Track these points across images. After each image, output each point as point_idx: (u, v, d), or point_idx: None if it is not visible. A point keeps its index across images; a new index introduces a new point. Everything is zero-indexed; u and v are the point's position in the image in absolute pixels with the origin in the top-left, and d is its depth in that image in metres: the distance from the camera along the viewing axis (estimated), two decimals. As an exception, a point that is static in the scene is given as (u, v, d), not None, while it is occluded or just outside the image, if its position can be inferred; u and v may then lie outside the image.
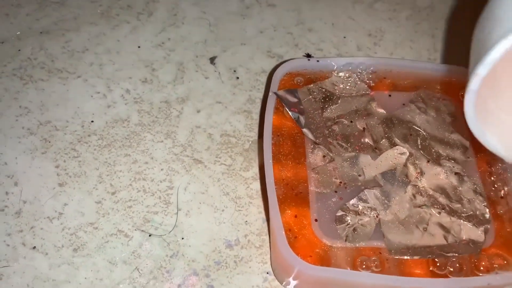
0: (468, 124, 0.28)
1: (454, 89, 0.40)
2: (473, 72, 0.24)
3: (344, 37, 0.50)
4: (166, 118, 0.43)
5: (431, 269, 0.33)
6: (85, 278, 0.36)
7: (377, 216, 0.34)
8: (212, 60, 0.47)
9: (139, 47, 0.47)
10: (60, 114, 0.43)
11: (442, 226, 0.34)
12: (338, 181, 0.36)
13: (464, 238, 0.34)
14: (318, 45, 0.49)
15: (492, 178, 0.37)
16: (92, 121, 0.43)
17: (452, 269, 0.33)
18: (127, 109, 0.43)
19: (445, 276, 0.32)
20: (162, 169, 0.41)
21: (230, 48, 0.48)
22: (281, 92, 0.39)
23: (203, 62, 0.47)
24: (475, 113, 0.27)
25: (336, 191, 0.35)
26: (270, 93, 0.38)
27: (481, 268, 0.33)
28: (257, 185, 0.41)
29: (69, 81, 0.45)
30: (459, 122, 0.39)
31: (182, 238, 0.38)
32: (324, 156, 0.37)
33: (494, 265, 0.33)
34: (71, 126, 0.42)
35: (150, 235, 0.38)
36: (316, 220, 0.34)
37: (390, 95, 0.40)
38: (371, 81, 0.40)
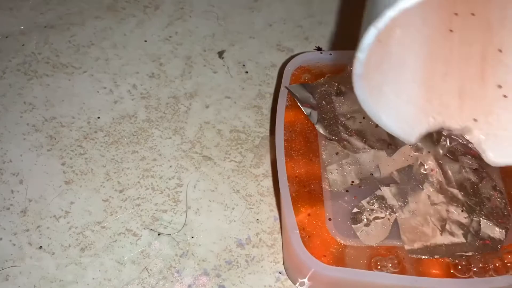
0: (362, 107, 0.28)
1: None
2: (354, 56, 0.25)
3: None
4: (174, 114, 0.42)
5: (450, 269, 0.32)
6: (93, 278, 0.35)
7: (393, 214, 0.33)
8: (221, 54, 0.46)
9: (145, 41, 0.46)
10: (65, 110, 0.42)
11: (460, 224, 0.33)
12: (352, 178, 0.34)
13: (483, 237, 0.33)
14: (329, 38, 0.48)
15: (512, 174, 0.36)
16: (99, 117, 0.42)
17: (473, 269, 0.32)
18: (134, 105, 0.42)
19: (466, 276, 0.31)
20: (170, 166, 0.40)
21: (239, 42, 0.47)
22: (292, 87, 0.37)
23: (211, 56, 0.46)
24: (367, 95, 0.27)
25: (350, 189, 0.34)
26: (282, 88, 0.37)
27: (502, 267, 0.32)
28: (268, 182, 0.40)
29: (75, 76, 0.44)
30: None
31: (192, 237, 0.37)
32: (337, 153, 0.36)
33: (516, 265, 0.32)
34: (77, 123, 0.41)
35: (159, 234, 0.37)
36: (330, 219, 0.33)
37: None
38: (385, 75, 0.39)
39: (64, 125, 0.41)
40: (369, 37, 0.24)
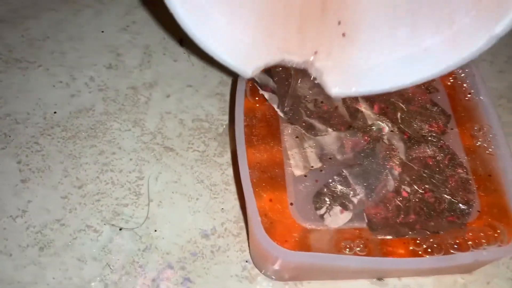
0: (186, 31, 0.26)
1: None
2: None
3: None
4: (133, 105, 0.41)
5: (415, 249, 0.32)
6: (53, 278, 0.34)
7: (357, 196, 0.33)
8: (181, 42, 0.45)
9: (102, 32, 0.45)
10: (20, 107, 0.40)
11: (425, 202, 0.33)
12: (315, 162, 0.34)
13: (448, 213, 0.32)
14: (292, 21, 0.47)
15: (475, 148, 0.35)
16: (55, 112, 0.40)
17: (437, 247, 0.31)
18: (92, 98, 0.41)
19: (431, 254, 0.31)
20: (131, 159, 0.38)
21: (199, 28, 0.46)
22: (251, 71, 0.36)
23: (171, 44, 0.45)
24: (186, 14, 0.25)
25: (312, 173, 0.33)
26: (240, 73, 0.36)
27: (468, 243, 0.32)
28: (232, 170, 0.39)
29: (29, 71, 0.42)
30: (439, 93, 0.38)
31: (155, 231, 0.36)
32: (299, 137, 0.35)
33: (481, 240, 0.32)
34: (32, 119, 0.40)
35: (120, 229, 0.36)
36: (291, 204, 0.32)
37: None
38: (346, 55, 0.38)
39: (19, 121, 0.40)
40: None
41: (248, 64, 0.30)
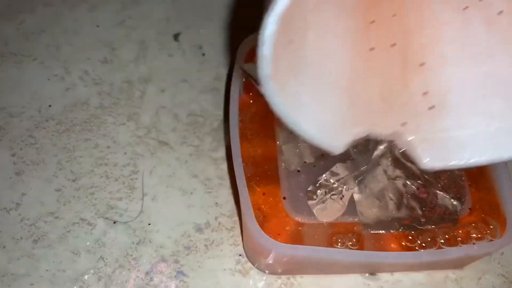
0: (278, 115, 0.24)
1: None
2: (258, 53, 0.22)
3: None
4: (128, 99, 0.41)
5: (407, 243, 0.32)
6: (47, 270, 0.34)
7: (349, 190, 0.33)
8: (176, 37, 0.45)
9: (98, 26, 0.45)
10: (15, 100, 0.40)
11: (417, 198, 0.33)
12: (308, 156, 0.34)
13: (440, 209, 0.33)
14: (287, 18, 0.47)
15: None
16: (50, 106, 0.40)
17: (429, 241, 0.31)
18: (87, 92, 0.41)
19: (422, 248, 0.31)
20: (125, 153, 0.38)
21: (195, 24, 0.46)
22: (247, 66, 0.37)
23: (166, 39, 0.45)
24: (282, 102, 0.23)
25: (305, 168, 0.34)
26: (236, 68, 0.36)
27: (459, 238, 0.32)
28: (227, 165, 0.39)
29: (24, 64, 0.42)
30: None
31: (149, 224, 0.36)
32: (292, 132, 0.35)
33: (472, 235, 0.32)
34: (27, 112, 0.40)
35: (114, 222, 0.36)
36: (284, 198, 0.32)
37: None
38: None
39: (14, 115, 0.40)
40: (270, 25, 0.21)
41: (337, 142, 0.28)
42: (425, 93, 0.29)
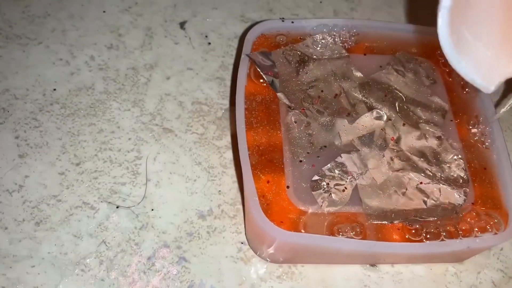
0: (443, 50, 0.27)
1: (432, 51, 0.39)
2: None
3: (321, 2, 0.48)
4: (133, 86, 0.41)
5: (408, 234, 0.32)
6: (49, 252, 0.34)
7: (354, 181, 0.33)
8: (182, 25, 0.45)
9: (104, 11, 0.45)
10: (19, 82, 0.40)
11: (421, 190, 0.33)
12: (313, 146, 0.34)
13: (443, 202, 0.33)
14: (294, 10, 0.47)
15: (472, 140, 0.36)
16: (55, 89, 0.40)
17: (431, 233, 0.32)
18: (92, 77, 0.41)
19: (424, 240, 0.31)
20: (129, 139, 0.38)
21: (201, 12, 0.46)
22: (254, 55, 0.37)
23: (172, 27, 0.45)
24: (450, 39, 0.27)
25: (310, 157, 0.34)
26: (243, 55, 0.36)
27: (461, 231, 0.32)
28: (230, 154, 0.39)
29: (29, 47, 0.42)
30: (438, 84, 0.38)
31: (152, 210, 0.36)
32: (299, 121, 0.35)
33: (474, 228, 0.32)
34: (31, 95, 0.40)
35: (117, 207, 0.36)
36: (288, 187, 0.32)
37: (367, 58, 0.38)
38: (347, 44, 0.39)
39: (18, 97, 0.39)
40: None
41: (490, 79, 0.30)
42: None
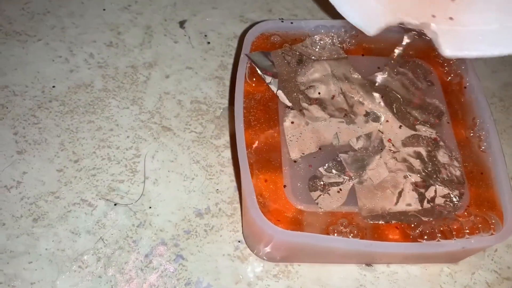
0: None
1: (429, 53, 0.39)
2: None
3: (319, 3, 0.48)
4: (132, 84, 0.41)
5: (405, 234, 0.32)
6: (46, 249, 0.34)
7: (351, 181, 0.33)
8: (182, 24, 0.45)
9: (104, 10, 0.45)
10: (18, 79, 0.40)
11: (417, 191, 0.34)
12: (311, 146, 0.34)
13: (439, 203, 0.33)
14: (293, 10, 0.47)
15: (468, 142, 0.36)
16: (54, 86, 0.40)
17: (426, 234, 0.32)
18: (91, 74, 0.41)
19: (419, 240, 0.32)
20: (128, 137, 0.39)
21: (201, 12, 0.46)
22: (253, 54, 0.37)
23: (172, 26, 0.45)
24: None
25: (308, 157, 0.34)
26: (242, 55, 0.36)
27: (456, 232, 0.32)
28: (228, 153, 0.39)
29: (29, 44, 0.42)
30: (435, 86, 0.38)
31: (150, 207, 0.36)
32: (297, 121, 0.35)
33: (469, 229, 0.32)
34: (30, 91, 0.40)
35: (115, 204, 0.36)
36: (285, 186, 0.32)
37: (365, 59, 0.39)
38: (345, 45, 0.39)
39: (17, 93, 0.39)
40: None
41: (371, 24, 0.34)
42: None
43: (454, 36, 0.35)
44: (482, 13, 0.34)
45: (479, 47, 0.35)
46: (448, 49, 0.36)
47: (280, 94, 0.36)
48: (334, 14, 0.48)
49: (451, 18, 0.34)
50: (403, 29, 0.36)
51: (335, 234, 0.31)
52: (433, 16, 0.34)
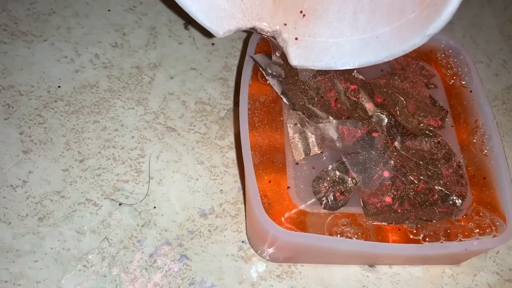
0: None
1: (432, 55, 0.40)
2: None
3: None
4: (137, 84, 0.41)
5: (408, 235, 0.33)
6: (51, 248, 0.34)
7: (354, 183, 0.33)
8: (186, 25, 0.45)
9: (109, 10, 0.45)
10: (24, 79, 0.40)
11: (420, 193, 0.34)
12: (315, 148, 0.35)
13: (441, 205, 0.34)
14: (297, 12, 0.48)
15: (471, 145, 0.37)
16: (59, 86, 0.40)
17: (429, 235, 0.32)
18: (96, 75, 0.41)
19: (422, 242, 0.32)
20: (133, 137, 0.39)
21: (205, 13, 0.46)
22: (258, 56, 0.37)
23: (176, 27, 0.45)
24: None
25: (312, 158, 0.34)
26: (247, 57, 0.37)
27: (459, 233, 0.33)
28: (233, 153, 0.39)
29: (34, 44, 0.42)
30: (438, 89, 0.39)
31: (154, 207, 0.36)
32: (301, 123, 0.36)
33: (472, 231, 0.33)
34: (36, 91, 0.40)
35: (120, 204, 0.36)
36: (288, 188, 0.33)
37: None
38: (350, 47, 0.39)
39: (23, 93, 0.40)
40: None
41: (221, 26, 0.34)
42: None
43: (302, 46, 0.35)
44: (329, 25, 0.35)
45: (323, 59, 0.35)
46: (295, 59, 0.36)
47: (284, 96, 0.36)
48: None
49: (300, 28, 0.35)
50: (256, 31, 0.37)
51: (339, 235, 0.32)
52: (285, 24, 0.35)
